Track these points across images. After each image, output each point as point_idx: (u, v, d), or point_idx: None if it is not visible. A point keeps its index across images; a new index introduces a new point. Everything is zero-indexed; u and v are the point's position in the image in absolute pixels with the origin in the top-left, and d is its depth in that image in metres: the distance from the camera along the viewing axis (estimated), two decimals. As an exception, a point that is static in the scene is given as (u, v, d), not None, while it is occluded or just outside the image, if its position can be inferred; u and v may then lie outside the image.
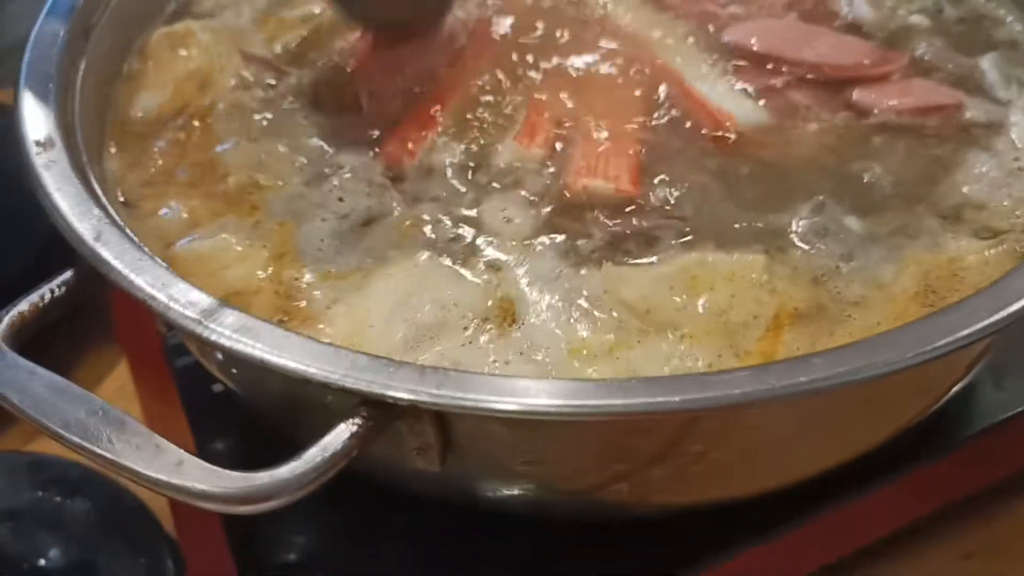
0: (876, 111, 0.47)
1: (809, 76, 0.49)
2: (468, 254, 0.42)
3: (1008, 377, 0.48)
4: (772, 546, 0.45)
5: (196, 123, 0.50)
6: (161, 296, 0.34)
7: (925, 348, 0.30)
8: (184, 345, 0.53)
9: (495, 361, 0.38)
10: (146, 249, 0.37)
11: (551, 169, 0.46)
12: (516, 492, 0.39)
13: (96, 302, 0.69)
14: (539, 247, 0.42)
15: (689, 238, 0.42)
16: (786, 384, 0.30)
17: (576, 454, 0.35)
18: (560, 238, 0.42)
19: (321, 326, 0.39)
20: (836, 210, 0.43)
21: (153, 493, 0.55)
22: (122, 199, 0.45)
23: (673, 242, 0.42)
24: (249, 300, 0.40)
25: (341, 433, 0.31)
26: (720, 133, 0.47)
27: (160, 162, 0.48)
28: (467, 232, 0.43)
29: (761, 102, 0.48)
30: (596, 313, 0.39)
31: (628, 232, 0.42)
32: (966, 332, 0.31)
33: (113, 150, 0.48)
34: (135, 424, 0.30)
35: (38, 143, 0.41)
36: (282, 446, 0.31)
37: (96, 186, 0.41)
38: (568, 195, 0.44)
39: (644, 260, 0.41)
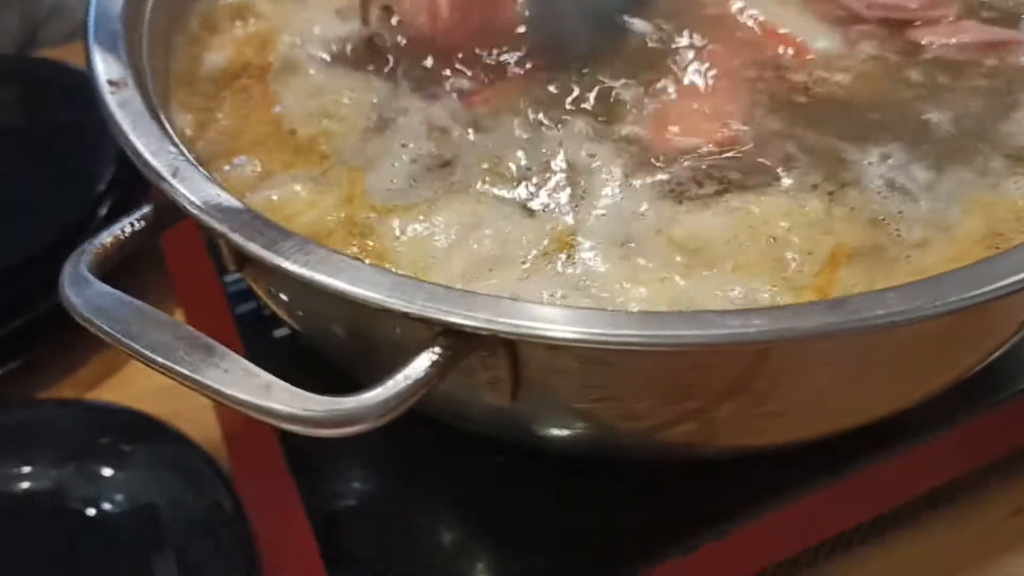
0: (933, 46, 0.48)
1: (871, 15, 0.50)
2: (529, 190, 0.43)
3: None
4: (826, 493, 0.46)
5: (258, 83, 0.50)
6: (236, 233, 0.35)
7: (1005, 282, 0.31)
8: (245, 291, 0.55)
9: (551, 295, 0.38)
10: (222, 184, 0.37)
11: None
12: (581, 431, 0.39)
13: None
14: (599, 186, 0.42)
15: (752, 178, 0.42)
16: (862, 318, 0.30)
17: (646, 390, 0.35)
18: (623, 178, 0.43)
19: (388, 264, 0.40)
20: (901, 154, 0.43)
21: (211, 437, 0.58)
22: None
23: (736, 182, 0.42)
24: (322, 242, 0.40)
25: (422, 362, 0.31)
26: (796, 57, 0.47)
27: (224, 121, 0.48)
28: (530, 168, 0.44)
29: (833, 32, 0.49)
30: (650, 251, 0.39)
31: (693, 174, 0.42)
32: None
33: (177, 107, 0.49)
34: (223, 349, 0.31)
35: (111, 82, 0.41)
36: (347, 389, 0.31)
37: (168, 127, 0.41)
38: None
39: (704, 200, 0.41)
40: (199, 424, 0.62)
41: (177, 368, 0.31)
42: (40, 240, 0.66)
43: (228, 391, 0.30)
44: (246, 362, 0.31)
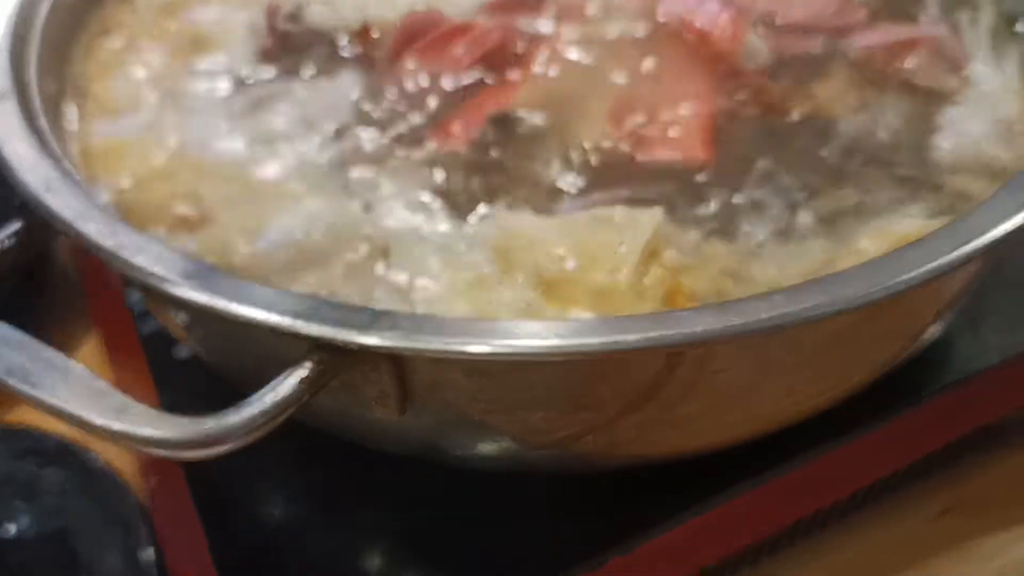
0: (848, 50, 0.46)
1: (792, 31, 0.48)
2: (358, 185, 0.42)
3: (984, 328, 0.47)
4: (739, 501, 0.45)
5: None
6: (108, 244, 0.33)
7: (899, 278, 0.30)
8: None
9: (370, 296, 0.37)
10: (97, 199, 0.36)
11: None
12: (481, 444, 0.38)
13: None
14: (418, 183, 0.42)
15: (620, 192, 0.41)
16: (748, 321, 0.29)
17: (533, 402, 0.34)
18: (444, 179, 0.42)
19: (210, 231, 0.40)
20: (783, 182, 0.41)
21: (128, 460, 0.57)
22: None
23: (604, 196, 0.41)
24: (144, 198, 0.41)
25: (290, 378, 0.30)
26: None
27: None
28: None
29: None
30: (471, 254, 0.38)
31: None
32: (938, 263, 0.30)
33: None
34: (79, 370, 0.30)
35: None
36: None
37: (51, 136, 0.40)
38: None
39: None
40: (114, 448, 0.60)
41: (30, 393, 0.29)
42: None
43: (83, 415, 0.29)
44: (103, 383, 0.29)
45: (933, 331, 0.40)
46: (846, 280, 0.31)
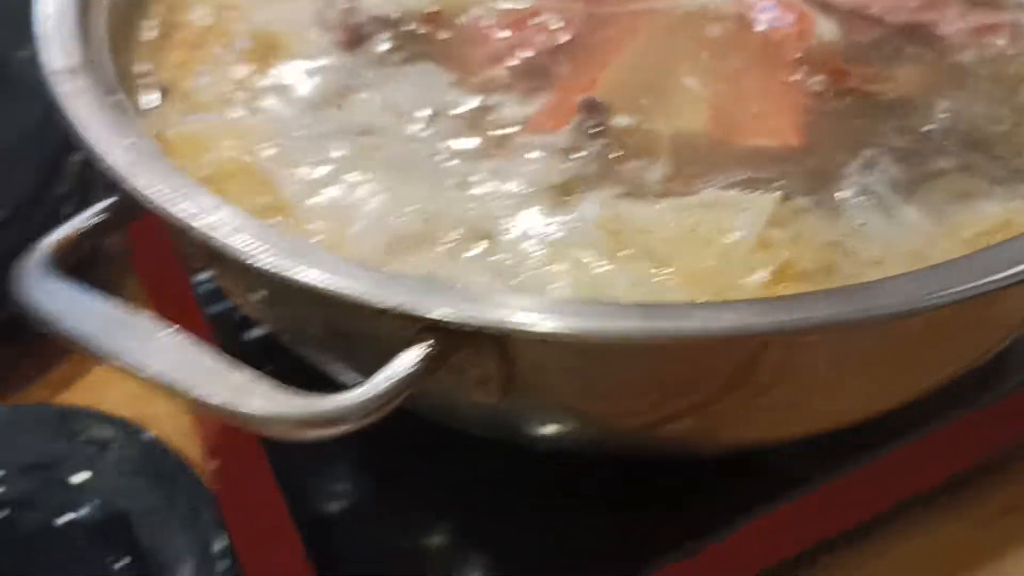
0: (931, 35, 0.46)
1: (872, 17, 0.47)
2: (458, 172, 0.41)
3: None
4: (819, 494, 0.45)
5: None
6: (200, 225, 0.33)
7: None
8: (216, 291, 0.52)
9: (473, 280, 0.36)
10: (186, 175, 0.35)
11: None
12: (575, 429, 0.38)
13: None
14: (528, 176, 0.41)
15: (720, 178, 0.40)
16: (869, 307, 0.29)
17: (644, 386, 0.34)
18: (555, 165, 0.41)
19: (295, 220, 0.39)
20: (884, 164, 0.40)
21: (187, 442, 0.56)
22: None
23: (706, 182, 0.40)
24: (224, 186, 0.40)
25: (406, 360, 0.29)
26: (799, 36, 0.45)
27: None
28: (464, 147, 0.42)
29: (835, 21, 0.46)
30: (577, 239, 0.38)
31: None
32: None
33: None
34: (193, 347, 0.29)
35: (62, 71, 0.39)
36: (327, 392, 0.29)
37: (125, 113, 0.39)
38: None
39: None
40: (175, 428, 0.60)
41: (141, 370, 0.29)
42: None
43: (198, 394, 0.28)
44: (218, 360, 0.29)
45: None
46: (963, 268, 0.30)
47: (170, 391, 0.29)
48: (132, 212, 0.36)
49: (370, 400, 0.28)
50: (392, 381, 0.29)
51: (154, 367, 0.29)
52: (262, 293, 0.37)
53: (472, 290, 0.30)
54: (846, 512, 0.48)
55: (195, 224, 0.33)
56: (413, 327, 0.30)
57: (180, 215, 0.33)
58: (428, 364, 0.30)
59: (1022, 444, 0.52)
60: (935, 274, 0.30)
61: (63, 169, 0.64)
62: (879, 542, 0.51)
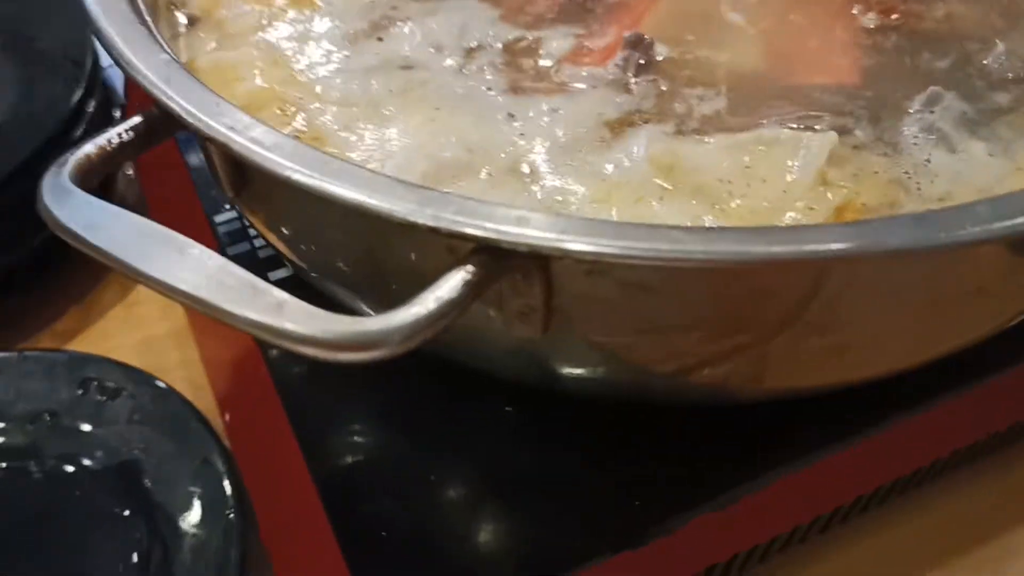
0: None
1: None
2: (502, 105, 0.39)
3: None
4: (854, 450, 0.43)
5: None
6: (241, 139, 0.31)
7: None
8: (236, 232, 0.51)
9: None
10: (218, 93, 0.33)
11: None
12: (612, 369, 0.36)
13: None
14: (575, 112, 0.39)
15: (773, 115, 0.38)
16: (955, 233, 0.27)
17: (694, 320, 0.32)
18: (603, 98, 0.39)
19: (331, 151, 0.37)
20: (946, 100, 0.39)
21: (199, 393, 0.55)
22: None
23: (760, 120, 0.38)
24: (256, 115, 0.37)
25: (455, 280, 0.28)
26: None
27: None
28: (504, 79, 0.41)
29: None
30: (626, 175, 0.36)
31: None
32: None
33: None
34: (228, 264, 0.27)
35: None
36: None
37: (157, 33, 0.37)
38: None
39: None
40: (186, 378, 0.58)
41: (175, 285, 0.27)
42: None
43: (234, 310, 0.27)
44: (254, 278, 0.27)
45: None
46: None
47: (206, 308, 0.27)
48: (158, 132, 0.34)
49: (417, 321, 0.27)
50: (440, 302, 0.27)
51: (189, 283, 0.27)
52: (297, 219, 0.36)
53: (520, 211, 0.28)
54: (878, 471, 0.47)
55: (235, 137, 0.31)
56: (459, 250, 0.28)
57: (218, 128, 0.31)
58: (476, 286, 0.28)
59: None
60: (1012, 201, 0.28)
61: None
62: (909, 507, 0.50)
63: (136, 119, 0.34)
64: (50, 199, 0.30)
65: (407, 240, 0.31)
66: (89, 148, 0.32)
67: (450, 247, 0.29)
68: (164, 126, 0.34)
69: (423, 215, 0.28)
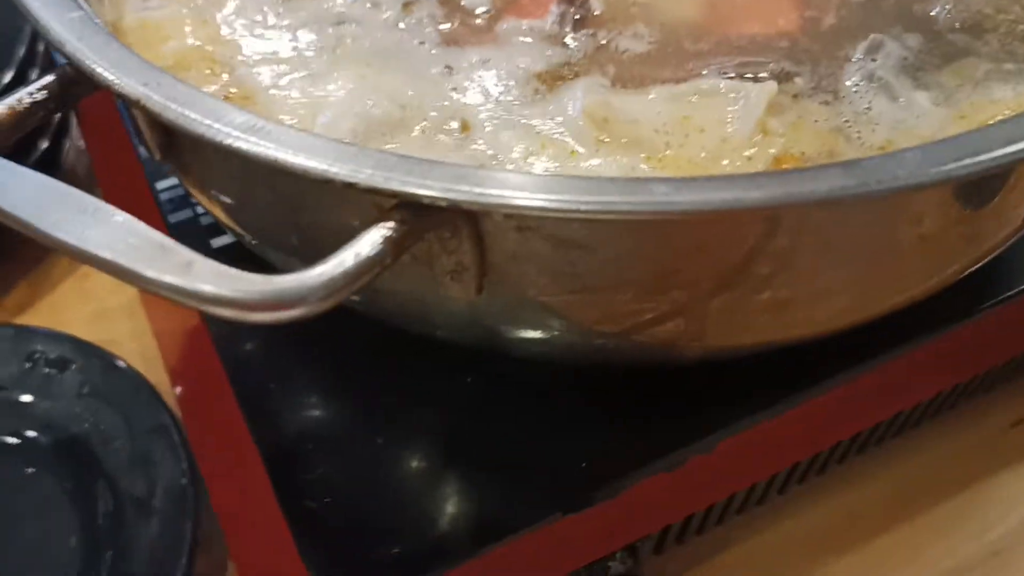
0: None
1: None
2: (437, 59, 0.38)
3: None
4: (814, 403, 0.43)
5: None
6: (157, 96, 0.30)
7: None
8: (179, 199, 0.50)
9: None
10: (134, 51, 0.32)
11: None
12: (555, 331, 0.35)
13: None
14: (510, 64, 0.38)
15: (713, 66, 0.37)
16: (881, 179, 0.26)
17: (628, 277, 0.31)
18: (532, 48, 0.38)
19: (260, 109, 0.36)
20: (889, 48, 0.38)
21: (150, 366, 0.54)
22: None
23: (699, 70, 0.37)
24: (183, 77, 0.36)
25: (373, 236, 0.27)
26: None
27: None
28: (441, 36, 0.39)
29: None
30: (561, 128, 0.35)
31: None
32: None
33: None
34: (136, 223, 0.26)
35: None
36: None
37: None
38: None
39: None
40: (137, 351, 0.57)
41: (78, 247, 0.26)
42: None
43: (143, 272, 0.26)
44: (164, 238, 0.26)
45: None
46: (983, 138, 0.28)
47: (116, 271, 0.26)
48: (73, 91, 0.33)
49: (334, 279, 0.26)
50: (359, 259, 0.26)
51: (96, 244, 0.26)
52: (224, 181, 0.35)
53: (448, 166, 0.27)
54: (847, 422, 0.46)
55: (150, 94, 0.30)
56: (379, 207, 0.28)
57: (130, 87, 0.30)
58: (397, 243, 0.27)
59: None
60: (944, 147, 0.27)
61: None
62: (890, 454, 0.50)
63: (49, 78, 0.32)
64: (-45, 161, 0.28)
65: (332, 199, 0.30)
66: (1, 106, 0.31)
67: (375, 204, 0.28)
68: (79, 84, 0.33)
69: (340, 171, 0.27)
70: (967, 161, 0.26)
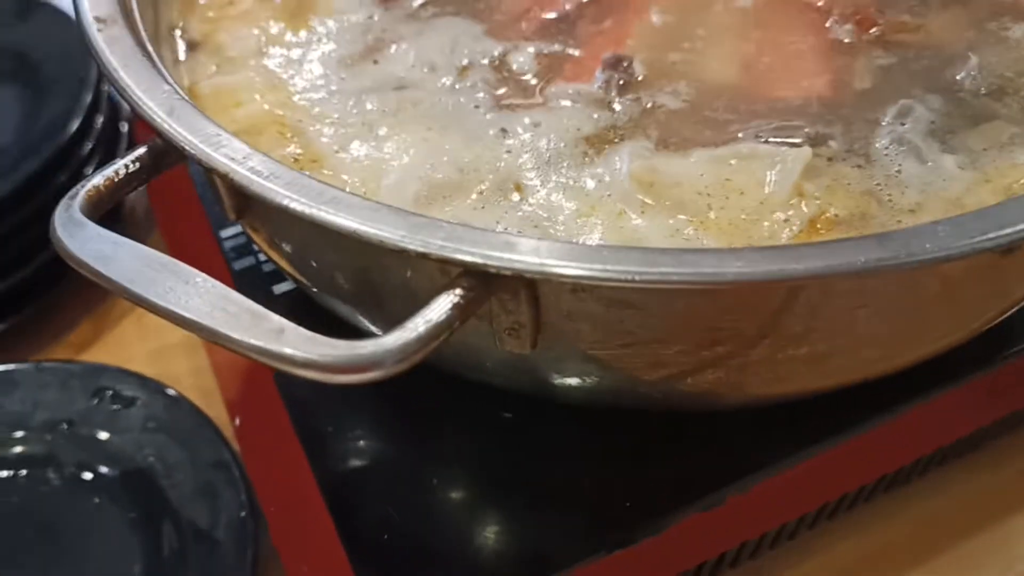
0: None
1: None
2: (492, 123, 0.41)
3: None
4: (843, 448, 0.45)
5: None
6: (242, 169, 0.33)
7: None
8: (242, 246, 0.52)
9: (506, 229, 0.37)
10: (220, 124, 0.35)
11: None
12: (602, 380, 0.38)
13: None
14: (560, 127, 0.41)
15: (750, 129, 0.40)
16: (912, 252, 0.28)
17: (675, 334, 0.34)
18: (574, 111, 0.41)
19: (328, 172, 0.39)
20: (918, 112, 0.40)
21: (209, 400, 0.57)
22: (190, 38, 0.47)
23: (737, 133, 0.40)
24: (255, 140, 0.40)
25: (442, 304, 0.29)
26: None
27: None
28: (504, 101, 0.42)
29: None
30: (609, 191, 0.38)
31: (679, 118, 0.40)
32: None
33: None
34: (231, 293, 0.29)
35: (99, 19, 0.39)
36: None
37: (159, 64, 0.39)
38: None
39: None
40: (196, 386, 0.60)
41: (182, 314, 0.29)
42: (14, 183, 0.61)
43: (238, 336, 0.28)
44: (255, 305, 0.29)
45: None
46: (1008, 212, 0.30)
47: (210, 335, 0.29)
48: (163, 161, 0.36)
49: (408, 344, 0.28)
50: (429, 325, 0.29)
51: (194, 311, 0.29)
52: (296, 241, 0.37)
53: (506, 236, 0.30)
54: (866, 467, 0.48)
55: (235, 168, 0.33)
56: (449, 272, 0.30)
57: (218, 159, 0.33)
58: (464, 308, 0.30)
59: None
60: (971, 220, 0.29)
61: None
62: (913, 493, 0.51)
63: (141, 150, 0.35)
64: (63, 232, 0.31)
65: (400, 263, 0.33)
66: (98, 180, 0.34)
67: (441, 268, 0.31)
68: (168, 156, 0.36)
69: (413, 242, 0.30)
70: (992, 235, 0.29)
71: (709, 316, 0.32)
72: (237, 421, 0.55)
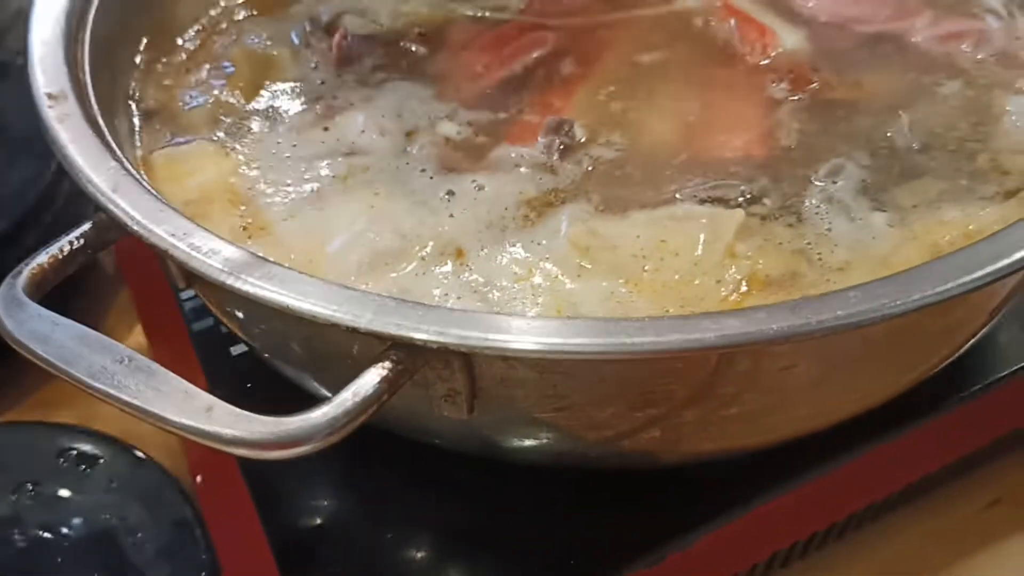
0: (900, 42, 0.46)
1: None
2: (437, 186, 0.43)
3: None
4: (790, 497, 0.45)
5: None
6: (182, 245, 0.34)
7: (971, 276, 0.30)
8: (201, 308, 0.53)
9: (445, 295, 0.38)
10: (164, 199, 0.36)
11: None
12: (543, 441, 0.38)
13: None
14: (503, 191, 0.42)
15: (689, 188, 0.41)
16: (823, 319, 0.29)
17: (607, 399, 0.34)
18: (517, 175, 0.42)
19: (274, 240, 0.40)
20: (849, 170, 0.41)
21: (175, 460, 0.57)
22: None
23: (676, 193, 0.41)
24: (206, 209, 0.41)
25: (371, 377, 0.30)
26: (763, 49, 0.46)
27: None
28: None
29: (803, 31, 0.48)
30: (548, 254, 0.39)
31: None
32: (1007, 262, 0.31)
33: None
34: (163, 371, 0.30)
35: (50, 95, 0.40)
36: (308, 406, 0.30)
37: (110, 138, 0.40)
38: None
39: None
40: (162, 445, 0.60)
41: (114, 394, 0.30)
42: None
43: (169, 416, 0.29)
44: (186, 384, 0.30)
45: (989, 327, 0.40)
46: (923, 277, 0.31)
47: (143, 414, 0.29)
48: (108, 236, 0.37)
49: (335, 419, 0.29)
50: (358, 399, 0.30)
51: (126, 391, 0.30)
52: (242, 310, 0.38)
53: (439, 310, 0.31)
54: (824, 512, 0.48)
55: (175, 244, 0.33)
56: (380, 345, 0.31)
57: (159, 235, 0.34)
58: (393, 381, 0.30)
59: (1002, 441, 0.52)
60: (882, 287, 0.30)
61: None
62: (867, 539, 0.51)
63: (85, 226, 0.36)
64: (3, 312, 0.32)
65: (337, 334, 0.34)
66: (42, 258, 0.35)
67: (371, 343, 0.31)
68: (112, 230, 0.36)
69: (344, 316, 0.31)
70: (900, 302, 0.29)
71: (637, 380, 0.33)
72: (199, 479, 0.55)
